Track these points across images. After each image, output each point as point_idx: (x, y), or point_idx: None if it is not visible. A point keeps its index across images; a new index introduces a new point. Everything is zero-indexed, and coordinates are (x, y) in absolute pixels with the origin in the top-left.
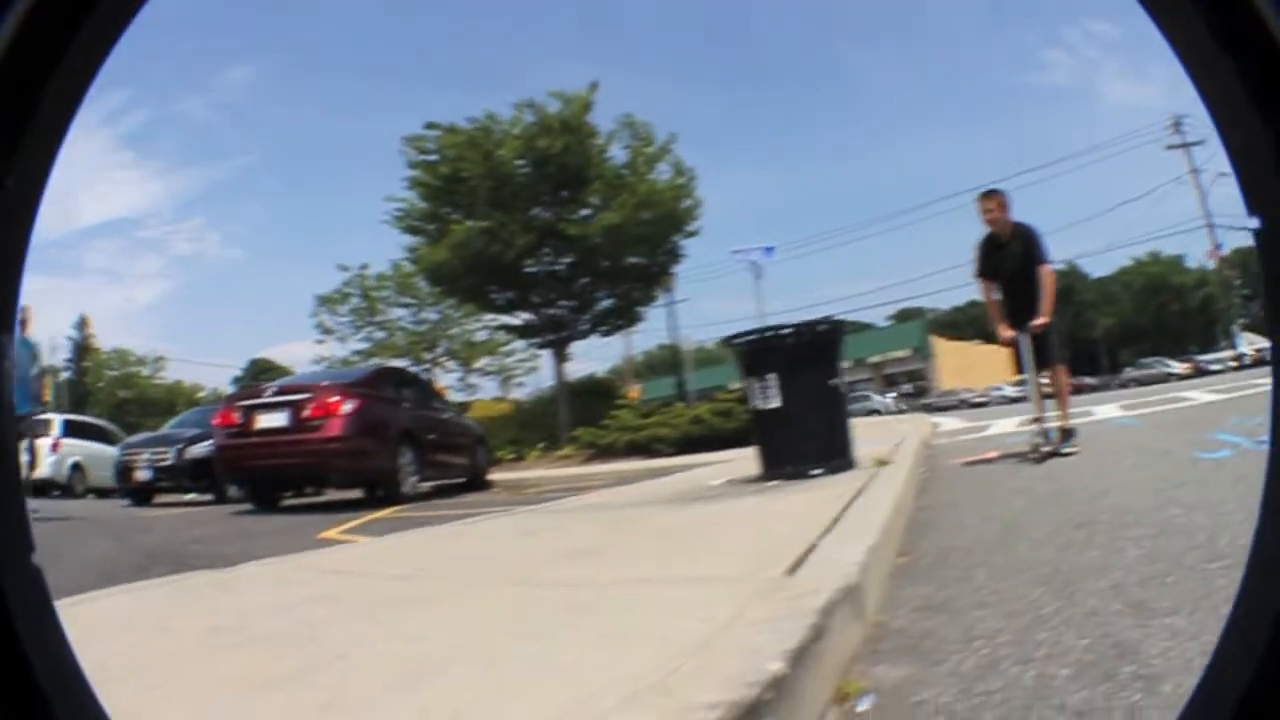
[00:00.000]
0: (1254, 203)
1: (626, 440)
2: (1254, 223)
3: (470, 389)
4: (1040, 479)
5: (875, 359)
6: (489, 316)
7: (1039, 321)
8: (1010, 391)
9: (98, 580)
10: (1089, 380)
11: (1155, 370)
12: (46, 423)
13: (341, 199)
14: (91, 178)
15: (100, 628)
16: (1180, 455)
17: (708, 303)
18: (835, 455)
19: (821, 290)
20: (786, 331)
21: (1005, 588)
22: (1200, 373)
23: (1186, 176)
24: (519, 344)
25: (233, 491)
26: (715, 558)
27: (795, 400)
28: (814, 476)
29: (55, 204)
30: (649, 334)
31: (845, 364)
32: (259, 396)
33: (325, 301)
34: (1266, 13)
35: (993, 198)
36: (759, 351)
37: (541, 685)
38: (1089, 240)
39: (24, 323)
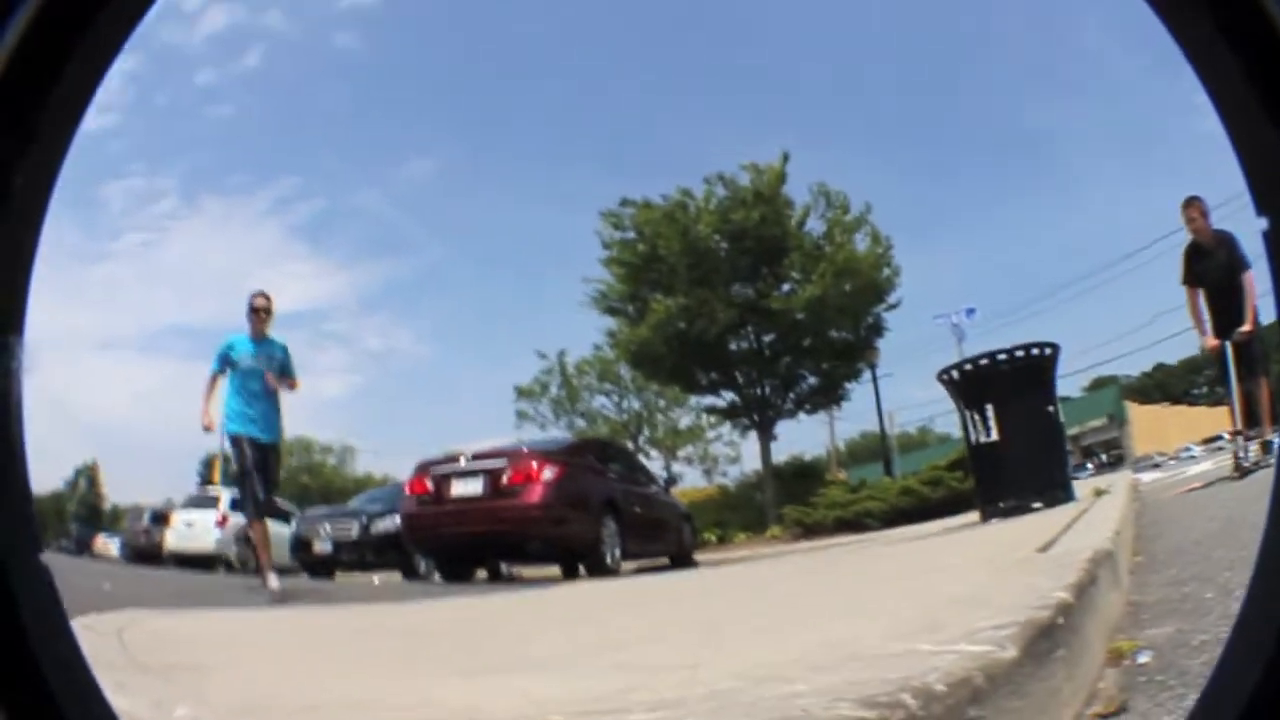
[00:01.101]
0: (1263, 204)
1: (835, 516)
2: (1263, 224)
3: (674, 478)
4: (1246, 485)
5: (1073, 430)
6: (693, 400)
7: (1245, 329)
8: (1198, 452)
9: None
10: None
11: None
12: (214, 498)
13: (533, 290)
14: (261, 267)
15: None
16: None
17: (910, 388)
18: (1055, 486)
19: None
20: (1002, 358)
21: (1247, 554)
22: None
23: None
24: (723, 429)
25: (422, 568)
26: (957, 555)
27: (1013, 430)
28: (1035, 510)
29: (221, 293)
30: (852, 420)
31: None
32: (453, 463)
33: (524, 393)
34: (1275, 14)
35: (1194, 205)
36: (974, 381)
37: (771, 640)
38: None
39: (261, 312)
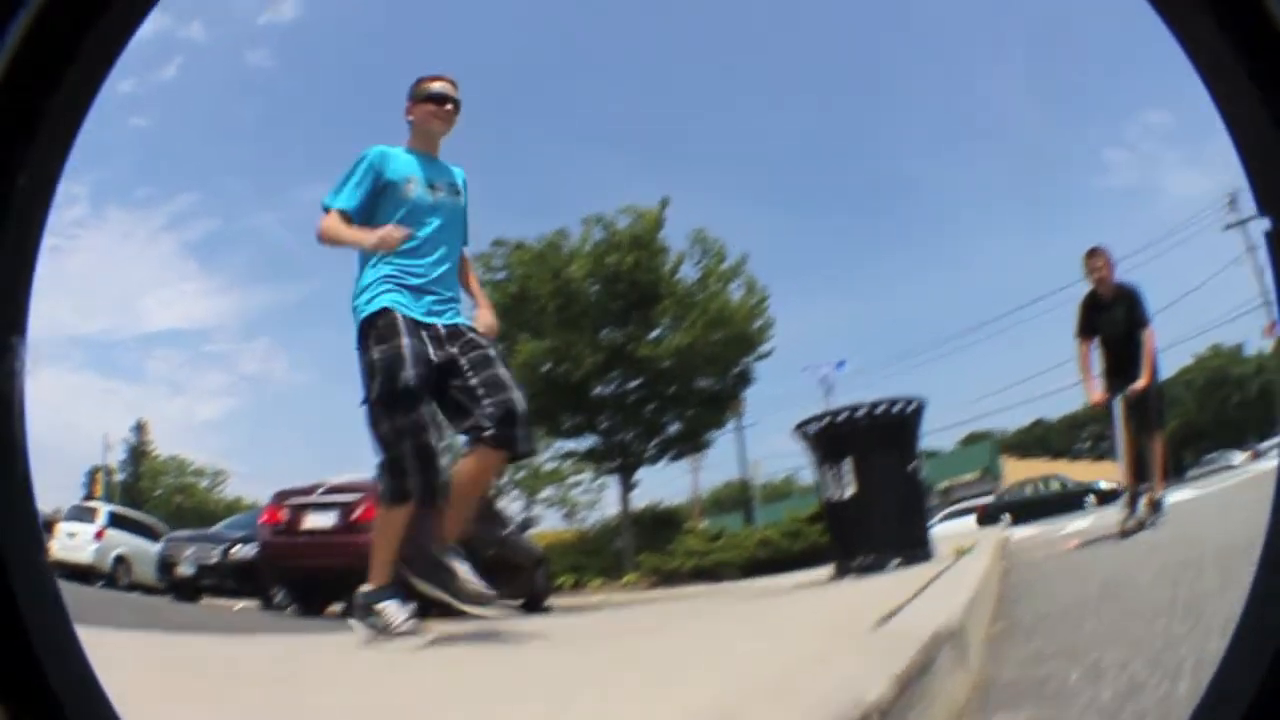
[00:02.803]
0: (1266, 204)
1: (692, 565)
2: (1265, 224)
3: (531, 520)
4: (1131, 544)
5: (944, 484)
6: (555, 444)
7: (1138, 385)
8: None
9: None
10: None
11: (1218, 465)
12: (92, 511)
13: None
14: (155, 283)
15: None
16: (1254, 508)
17: (776, 438)
18: (914, 544)
19: None
20: (862, 412)
21: (1125, 626)
22: (1259, 457)
23: (1244, 255)
24: (584, 475)
25: (279, 598)
26: (789, 620)
27: (871, 486)
28: (891, 567)
29: (117, 304)
30: (716, 469)
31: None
32: (309, 495)
33: None
34: (1277, 14)
35: (1099, 254)
36: (832, 436)
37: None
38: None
39: (445, 104)
